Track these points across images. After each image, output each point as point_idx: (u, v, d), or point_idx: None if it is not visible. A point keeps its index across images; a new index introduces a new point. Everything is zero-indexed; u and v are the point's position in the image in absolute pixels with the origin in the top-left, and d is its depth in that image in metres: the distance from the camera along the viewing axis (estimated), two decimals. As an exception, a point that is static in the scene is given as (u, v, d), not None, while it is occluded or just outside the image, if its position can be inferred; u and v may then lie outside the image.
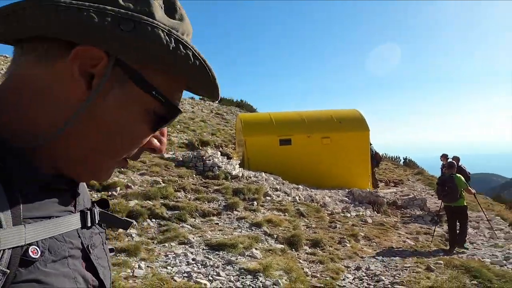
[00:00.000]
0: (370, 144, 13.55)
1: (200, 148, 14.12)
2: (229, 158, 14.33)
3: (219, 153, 10.37)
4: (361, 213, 9.88)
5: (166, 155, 9.91)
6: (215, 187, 8.39)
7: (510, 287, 5.54)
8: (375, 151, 14.04)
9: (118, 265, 4.13)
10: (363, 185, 12.79)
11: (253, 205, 8.04)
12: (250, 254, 5.04)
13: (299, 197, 9.97)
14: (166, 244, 5.14)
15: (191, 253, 4.89)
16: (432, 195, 15.13)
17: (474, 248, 8.65)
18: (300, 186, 10.87)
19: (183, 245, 5.18)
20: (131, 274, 3.98)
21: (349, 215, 9.60)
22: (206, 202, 7.36)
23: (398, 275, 5.48)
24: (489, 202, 16.61)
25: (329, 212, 9.50)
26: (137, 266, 4.23)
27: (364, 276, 5.37)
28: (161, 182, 7.33)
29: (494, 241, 9.35)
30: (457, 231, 8.20)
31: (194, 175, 8.97)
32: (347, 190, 11.96)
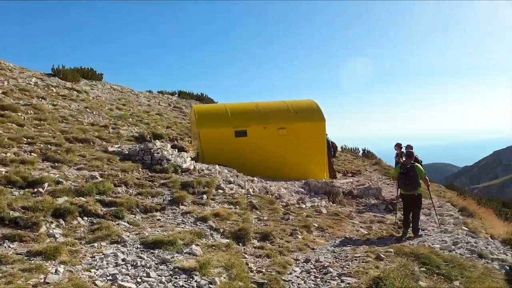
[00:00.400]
0: (326, 135, 13.48)
1: (152, 141, 13.47)
2: (183, 151, 13.79)
3: (168, 145, 9.83)
4: (316, 204, 9.74)
5: (110, 148, 9.25)
6: (162, 181, 7.88)
7: (457, 272, 5.52)
8: (331, 141, 14.01)
9: (29, 271, 3.59)
10: (319, 175, 12.71)
11: (202, 199, 7.62)
12: (189, 251, 4.62)
13: (254, 189, 9.66)
14: (96, 244, 4.61)
15: (122, 252, 4.41)
16: (387, 184, 15.37)
17: (425, 234, 8.73)
18: (255, 178, 10.56)
19: (115, 244, 4.68)
20: (42, 280, 3.46)
21: (304, 206, 9.42)
22: (149, 197, 6.84)
23: (347, 266, 5.28)
24: (442, 190, 17.17)
25: (284, 204, 9.27)
26: (54, 271, 3.70)
27: (312, 269, 5.12)
28: (98, 177, 6.72)
29: (444, 227, 9.51)
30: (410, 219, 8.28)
31: (140, 169, 8.40)
32: (303, 181, 11.81)
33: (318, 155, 12.90)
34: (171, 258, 4.35)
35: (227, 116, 12.52)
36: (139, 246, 4.68)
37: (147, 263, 4.16)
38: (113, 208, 5.76)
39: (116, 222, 5.43)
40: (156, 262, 4.23)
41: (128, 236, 4.96)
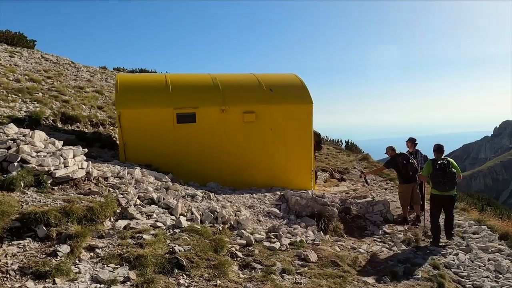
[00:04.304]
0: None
1: (58, 125, 9.08)
2: (111, 143, 9.51)
3: (40, 134, 5.46)
4: (298, 239, 5.74)
5: None
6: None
7: None
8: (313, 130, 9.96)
9: None
10: (303, 183, 8.73)
11: (55, 258, 3.45)
12: None
13: (192, 214, 5.55)
14: None
15: None
16: (385, 189, 11.63)
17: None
18: (198, 192, 6.40)
19: None
20: None
21: (278, 244, 5.41)
22: None
23: None
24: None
25: (244, 243, 5.23)
26: None
27: None
28: None
29: (506, 278, 5.80)
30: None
31: None
32: (278, 192, 7.78)
33: (302, 153, 8.89)
34: None
35: (167, 91, 8.26)
36: None
37: None
38: None
39: None
40: None
41: None
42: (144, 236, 4.31)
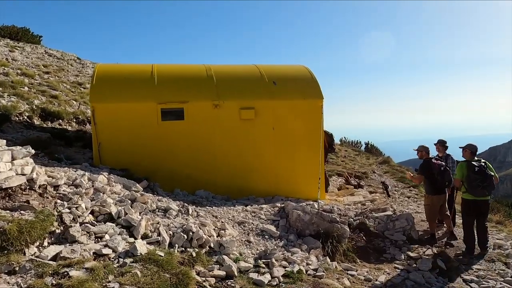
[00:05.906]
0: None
1: (34, 122, 8.07)
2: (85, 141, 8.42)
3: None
4: (296, 269, 4.45)
5: None
6: None
7: None
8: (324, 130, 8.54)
9: None
10: (310, 192, 7.40)
11: None
12: None
13: (159, 234, 4.34)
14: None
15: None
16: (408, 198, 10.18)
17: None
18: (173, 205, 5.19)
19: None
20: None
21: (268, 277, 4.14)
22: None
23: None
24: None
25: (221, 275, 3.98)
26: None
27: None
28: None
29: None
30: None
31: None
32: (278, 204, 6.48)
33: (310, 157, 7.57)
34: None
35: (151, 83, 7.10)
36: None
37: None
38: None
39: None
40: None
41: None
42: (72, 273, 3.12)
